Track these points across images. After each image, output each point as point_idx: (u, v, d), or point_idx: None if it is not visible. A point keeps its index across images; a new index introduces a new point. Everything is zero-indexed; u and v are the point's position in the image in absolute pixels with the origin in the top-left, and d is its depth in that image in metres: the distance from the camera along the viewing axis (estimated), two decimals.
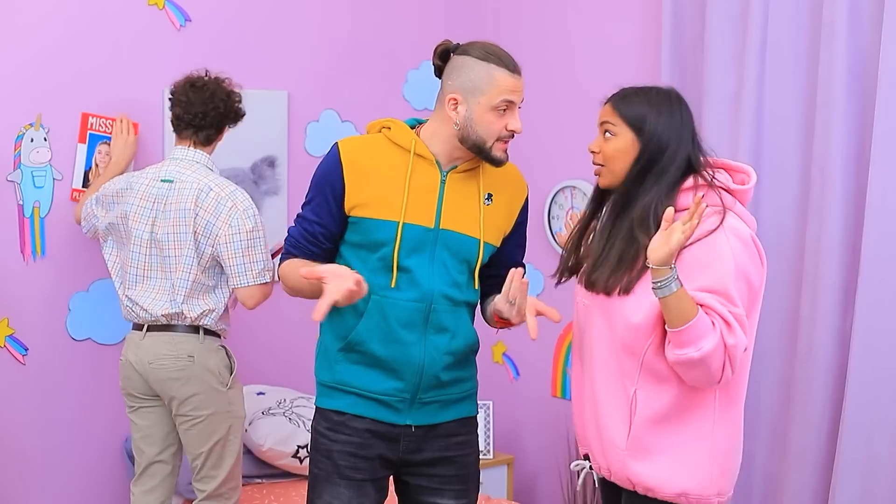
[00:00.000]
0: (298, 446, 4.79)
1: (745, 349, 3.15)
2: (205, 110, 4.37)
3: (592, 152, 3.33)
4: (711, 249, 3.09)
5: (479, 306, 3.60)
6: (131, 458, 4.93)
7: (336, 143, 3.47)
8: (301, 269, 3.31)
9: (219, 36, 5.09)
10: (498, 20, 5.80)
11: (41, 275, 4.72)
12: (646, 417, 3.17)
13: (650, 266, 3.02)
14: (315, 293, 3.32)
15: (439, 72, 3.45)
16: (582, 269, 3.36)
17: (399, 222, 3.36)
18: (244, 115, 4.51)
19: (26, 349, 4.72)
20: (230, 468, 4.39)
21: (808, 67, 4.38)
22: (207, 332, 4.34)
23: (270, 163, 5.22)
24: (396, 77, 5.55)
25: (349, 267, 3.34)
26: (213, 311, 4.32)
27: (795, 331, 4.38)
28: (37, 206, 4.68)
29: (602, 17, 5.32)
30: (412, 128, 3.49)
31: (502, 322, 3.46)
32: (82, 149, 4.75)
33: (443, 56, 3.44)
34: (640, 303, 3.12)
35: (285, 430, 4.80)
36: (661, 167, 3.19)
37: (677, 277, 3.00)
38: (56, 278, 4.75)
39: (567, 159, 5.46)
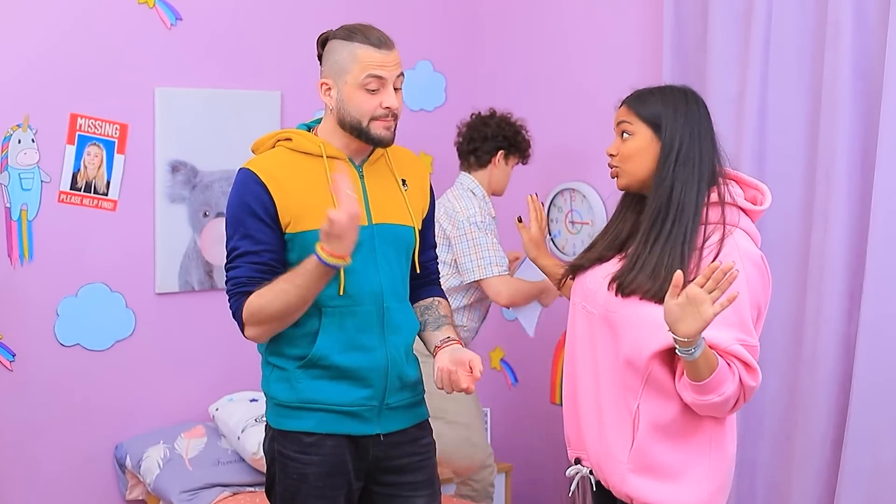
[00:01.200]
0: None
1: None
2: (473, 147, 5.03)
3: (610, 155, 3.30)
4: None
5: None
6: (122, 467, 4.93)
7: (243, 167, 3.37)
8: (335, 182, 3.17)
9: (211, 35, 5.08)
10: (495, 21, 5.80)
11: (29, 279, 4.71)
12: (649, 433, 3.16)
13: (678, 338, 2.97)
14: (300, 293, 3.24)
15: (321, 61, 3.44)
16: (585, 272, 3.34)
17: None
18: (528, 144, 5.11)
19: (13, 355, 4.71)
20: None
21: (813, 68, 4.38)
22: None
23: None
24: None
25: None
26: (457, 309, 4.87)
27: (800, 336, 4.38)
28: (24, 209, 4.67)
29: (602, 17, 5.32)
30: (309, 130, 3.47)
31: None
32: (71, 150, 4.74)
33: (323, 45, 3.45)
34: (653, 317, 3.10)
35: None
36: (688, 167, 3.18)
37: (702, 342, 2.97)
38: (44, 283, 4.74)
39: (566, 162, 5.46)
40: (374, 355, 3.37)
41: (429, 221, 3.59)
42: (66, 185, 4.74)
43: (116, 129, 4.84)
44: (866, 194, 4.19)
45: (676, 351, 2.97)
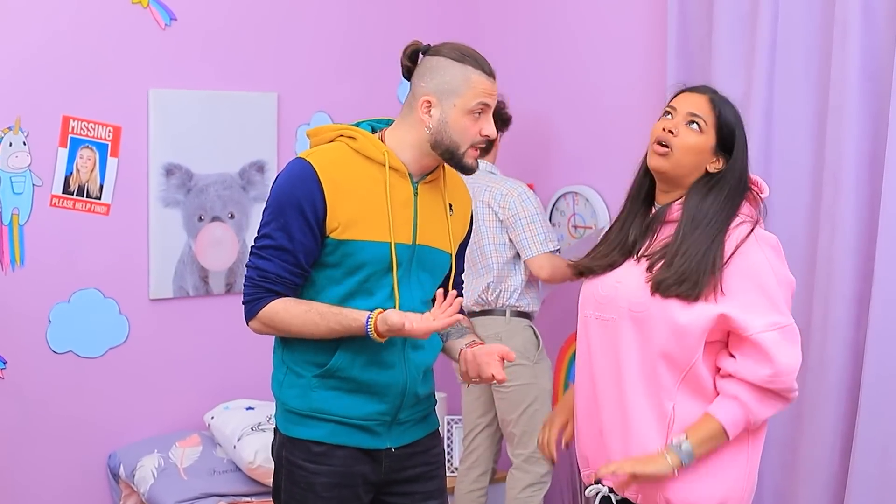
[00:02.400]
0: None
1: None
2: None
3: (670, 132, 3.24)
4: (747, 262, 3.13)
5: None
6: (115, 477, 4.93)
7: (302, 157, 3.32)
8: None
9: (206, 36, 5.08)
10: (496, 21, 5.80)
11: (20, 285, 4.71)
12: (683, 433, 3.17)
13: (669, 473, 3.14)
14: (326, 333, 3.29)
15: (408, 73, 3.38)
16: (593, 282, 3.33)
17: (391, 242, 3.30)
18: (510, 118, 5.22)
19: (5, 362, 4.70)
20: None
21: (820, 68, 4.37)
22: (515, 314, 5.06)
23: (259, 168, 5.22)
24: (390, 77, 5.53)
25: (317, 288, 3.34)
26: (515, 290, 5.03)
27: (807, 342, 4.36)
28: (16, 214, 4.67)
29: (605, 17, 5.31)
30: (374, 132, 3.44)
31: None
32: (63, 153, 4.74)
33: (412, 57, 3.38)
34: (697, 311, 3.12)
35: None
36: (733, 186, 3.22)
37: (684, 451, 3.13)
38: (36, 288, 4.74)
39: (569, 164, 5.45)
40: (393, 372, 3.36)
41: (462, 249, 3.58)
42: (58, 188, 4.74)
43: (110, 131, 4.84)
44: (875, 197, 4.19)
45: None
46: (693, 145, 3.23)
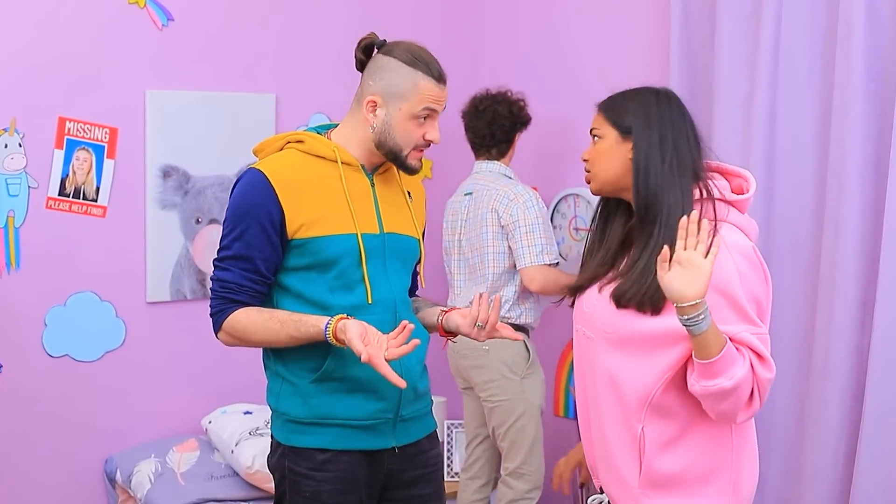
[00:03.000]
0: None
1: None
2: (491, 132, 5.10)
3: (584, 160, 3.30)
4: (717, 273, 3.04)
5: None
6: (112, 482, 4.92)
7: (253, 167, 3.35)
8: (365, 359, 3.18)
9: (203, 36, 5.08)
10: (497, 22, 5.80)
11: (16, 288, 4.70)
12: (657, 453, 3.15)
13: (680, 305, 2.96)
14: (286, 341, 3.31)
15: (361, 66, 3.42)
16: (582, 295, 3.33)
17: (357, 233, 3.33)
18: (530, 119, 5.19)
19: (0, 366, 4.70)
20: (526, 451, 5.04)
21: (824, 69, 4.37)
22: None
23: None
24: None
25: (296, 293, 3.35)
26: (507, 300, 5.02)
27: (811, 346, 4.37)
28: (11, 216, 4.66)
29: (607, 17, 5.31)
30: (322, 134, 3.47)
31: (447, 334, 3.51)
32: (59, 155, 4.74)
33: (366, 50, 3.41)
34: (663, 324, 3.09)
35: None
36: (664, 168, 3.16)
37: (707, 309, 2.96)
38: (32, 292, 4.73)
39: (570, 166, 5.45)
40: (389, 366, 3.37)
41: (422, 239, 3.64)
42: (54, 190, 4.74)
43: (106, 133, 4.84)
44: (879, 199, 4.18)
45: (684, 325, 2.95)
46: (596, 154, 3.23)
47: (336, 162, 3.38)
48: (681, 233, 2.95)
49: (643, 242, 3.15)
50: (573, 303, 3.42)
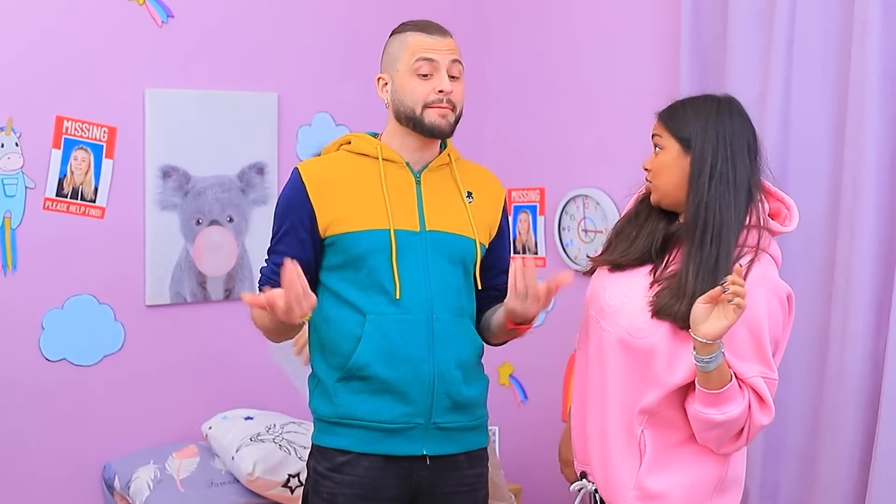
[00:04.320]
0: (290, 475, 4.77)
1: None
2: None
3: (645, 169, 3.36)
4: (751, 308, 3.08)
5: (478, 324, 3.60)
6: (110, 489, 4.92)
7: (295, 168, 3.49)
8: (242, 294, 3.27)
9: (204, 33, 5.08)
10: (503, 20, 5.79)
11: (12, 290, 4.71)
12: (655, 458, 3.16)
13: (698, 339, 3.01)
14: (280, 329, 3.37)
15: None
16: (603, 282, 3.34)
17: (390, 229, 3.35)
18: None
19: None
20: None
21: (839, 68, 4.36)
22: None
23: (259, 170, 5.21)
24: None
25: (333, 292, 3.38)
26: None
27: (825, 351, 4.36)
28: (8, 217, 4.67)
29: (616, 15, 5.30)
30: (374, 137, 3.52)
31: (518, 326, 3.44)
32: (57, 154, 4.74)
33: None
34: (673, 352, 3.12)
35: (275, 458, 4.78)
36: (722, 185, 3.19)
37: (722, 350, 3.04)
38: (28, 294, 4.73)
39: (578, 167, 5.44)
40: (419, 367, 3.37)
41: (500, 244, 3.61)
42: (51, 191, 4.74)
43: (105, 132, 4.84)
44: (895, 201, 4.18)
45: (695, 360, 3.00)
46: (659, 167, 3.30)
47: (378, 158, 3.43)
48: (734, 275, 3.00)
49: (692, 256, 3.17)
50: (589, 272, 3.45)
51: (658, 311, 3.17)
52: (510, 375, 5.83)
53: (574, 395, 3.44)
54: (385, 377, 3.36)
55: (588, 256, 3.53)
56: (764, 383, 3.09)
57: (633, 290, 3.26)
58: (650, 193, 3.35)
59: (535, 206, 5.55)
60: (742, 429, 3.10)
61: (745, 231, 3.21)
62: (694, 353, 3.01)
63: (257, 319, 3.48)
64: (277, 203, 3.50)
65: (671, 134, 3.27)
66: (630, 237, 3.39)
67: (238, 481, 4.85)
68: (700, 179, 3.21)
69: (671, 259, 3.28)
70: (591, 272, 3.50)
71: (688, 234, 3.21)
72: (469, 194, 3.51)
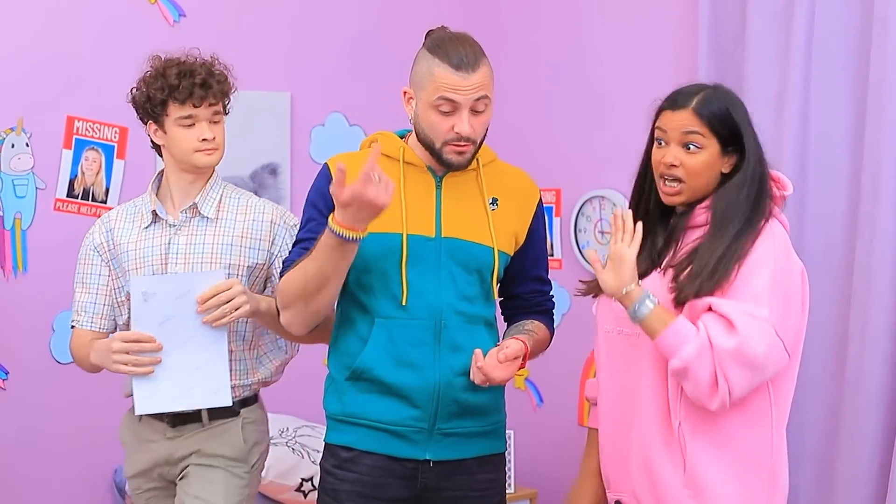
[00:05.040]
0: (302, 479, 4.78)
1: (789, 367, 3.17)
2: None
3: (672, 165, 3.21)
4: (748, 257, 3.11)
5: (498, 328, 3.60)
6: (121, 492, 4.93)
7: (325, 161, 3.49)
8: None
9: (216, 32, 5.09)
10: (518, 19, 5.79)
11: (23, 292, 4.72)
12: (698, 451, 3.15)
13: (616, 296, 3.12)
14: (314, 273, 3.29)
15: None
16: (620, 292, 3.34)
17: (403, 233, 3.34)
18: None
19: (7, 373, 4.72)
20: None
21: (858, 66, 4.36)
22: None
23: (272, 170, 5.22)
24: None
25: (350, 291, 3.41)
26: None
27: (844, 354, 4.36)
28: (18, 218, 4.68)
29: (631, 12, 5.30)
30: (402, 137, 3.50)
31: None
32: (67, 155, 4.76)
33: None
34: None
35: (288, 462, 4.79)
36: (754, 176, 3.20)
37: (649, 294, 3.10)
38: (39, 296, 4.75)
39: (595, 168, 5.45)
40: (423, 374, 3.37)
41: (530, 251, 3.58)
42: (62, 192, 4.76)
43: (116, 132, 4.86)
44: None
45: (629, 314, 3.13)
46: (698, 167, 3.20)
47: (399, 161, 3.42)
48: (612, 228, 3.13)
49: (718, 239, 3.16)
50: (586, 294, 3.45)
51: (679, 297, 3.15)
52: (526, 379, 5.83)
53: (603, 418, 3.40)
54: (389, 381, 3.37)
55: (580, 281, 3.48)
56: (734, 309, 3.05)
57: (647, 289, 3.24)
58: (673, 195, 3.23)
59: (551, 208, 5.55)
60: (714, 373, 3.05)
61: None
62: (625, 308, 3.12)
63: (292, 289, 3.36)
64: (308, 192, 3.51)
65: (714, 132, 3.19)
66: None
67: None
68: (747, 184, 3.19)
69: (679, 247, 3.26)
70: (588, 293, 3.46)
71: (713, 224, 3.20)
72: (494, 200, 3.48)
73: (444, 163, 3.37)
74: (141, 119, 3.81)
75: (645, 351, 3.20)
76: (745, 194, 3.18)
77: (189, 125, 3.68)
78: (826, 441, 4.46)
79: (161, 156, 3.86)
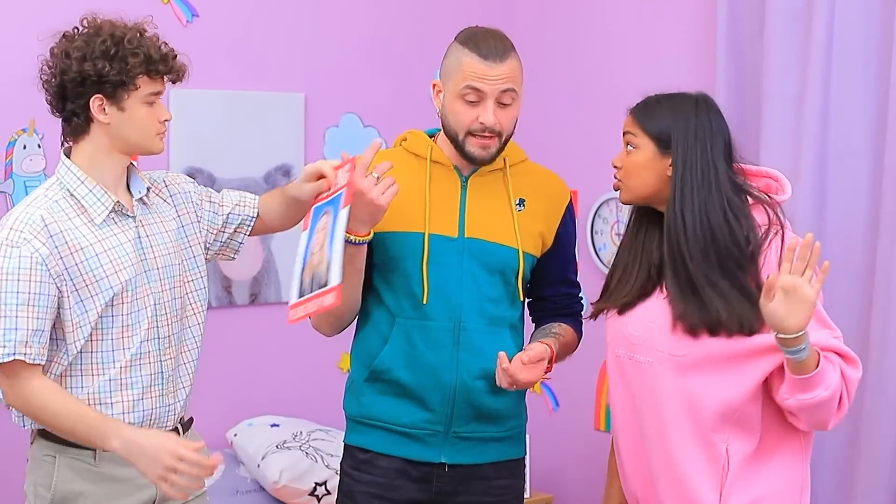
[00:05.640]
0: (316, 483, 4.78)
1: None
2: None
3: (615, 167, 3.33)
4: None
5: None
6: None
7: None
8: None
9: (229, 33, 5.09)
10: (534, 19, 5.79)
11: None
12: (741, 471, 3.15)
13: (783, 337, 2.97)
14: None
15: None
16: (622, 316, 3.32)
17: (424, 233, 3.35)
18: None
19: None
20: None
21: (879, 67, 4.35)
22: None
23: (285, 172, 5.22)
24: (425, 77, 5.50)
25: (374, 291, 3.44)
26: None
27: (865, 359, 4.32)
28: None
29: (648, 12, 5.30)
30: (431, 136, 3.50)
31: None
32: None
33: None
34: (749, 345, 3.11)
35: (302, 466, 4.79)
36: (706, 186, 3.17)
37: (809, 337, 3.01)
38: None
39: (611, 169, 5.41)
40: (439, 375, 3.38)
41: (558, 253, 3.58)
42: None
43: None
44: None
45: (785, 353, 2.99)
46: (633, 166, 3.26)
47: (426, 160, 3.44)
48: (787, 254, 2.96)
49: (705, 266, 3.15)
50: (594, 316, 3.43)
51: (691, 329, 3.15)
52: (541, 383, 5.82)
53: (621, 444, 3.39)
54: (406, 382, 3.39)
55: (591, 304, 3.48)
56: (839, 343, 3.09)
57: (653, 313, 3.23)
58: (618, 191, 3.33)
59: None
60: (841, 395, 3.09)
61: (765, 211, 3.20)
62: (784, 349, 2.98)
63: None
64: None
65: (646, 132, 3.24)
66: (627, 272, 3.36)
67: (264, 489, 4.86)
68: (683, 184, 3.17)
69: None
70: (595, 316, 3.46)
71: (675, 238, 3.18)
72: (521, 202, 3.48)
73: (468, 157, 3.38)
74: (68, 93, 3.40)
75: (665, 381, 3.19)
76: (696, 210, 3.16)
77: (151, 103, 3.34)
78: (845, 447, 4.44)
79: (73, 136, 3.41)
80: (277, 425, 5.01)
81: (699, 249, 3.14)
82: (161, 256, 3.40)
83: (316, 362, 5.24)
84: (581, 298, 3.71)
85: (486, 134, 3.34)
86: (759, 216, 3.19)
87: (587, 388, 5.58)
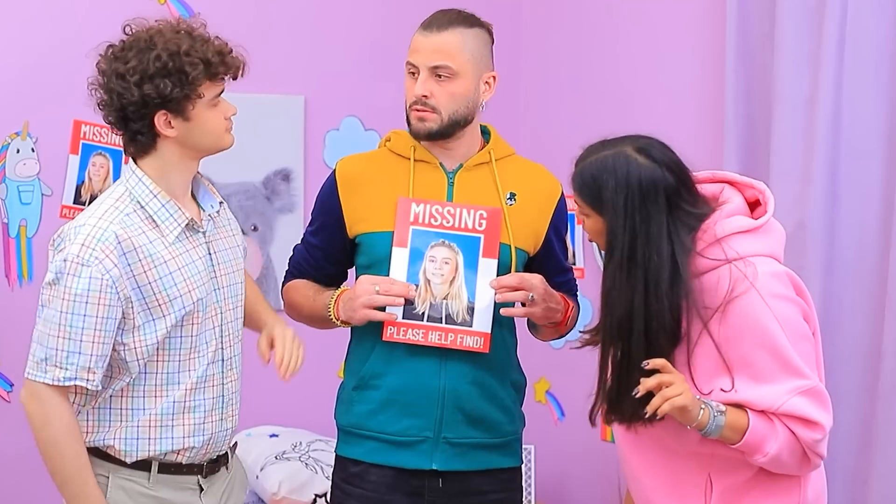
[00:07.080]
0: (316, 495, 4.78)
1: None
2: None
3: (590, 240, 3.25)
4: (755, 328, 3.00)
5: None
6: None
7: (336, 163, 3.58)
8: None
9: (227, 34, 5.03)
10: (539, 21, 5.80)
11: (28, 301, 4.72)
12: (726, 493, 3.14)
13: (688, 421, 2.98)
14: (313, 314, 3.46)
15: None
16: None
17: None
18: None
19: (11, 385, 4.72)
20: None
21: (892, 68, 4.35)
22: None
23: (285, 176, 5.23)
24: None
25: None
26: None
27: (877, 367, 4.33)
28: (23, 225, 4.69)
29: (656, 14, 5.30)
30: None
31: (552, 324, 3.50)
32: (74, 160, 4.76)
33: None
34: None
35: (301, 477, 4.80)
36: (640, 272, 3.06)
37: (718, 409, 2.98)
38: None
39: None
40: (427, 379, 3.38)
41: (553, 246, 3.59)
42: (68, 198, 4.76)
43: None
44: None
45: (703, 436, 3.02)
46: (596, 234, 3.13)
47: (410, 159, 3.46)
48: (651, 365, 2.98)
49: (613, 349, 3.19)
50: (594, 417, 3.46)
51: (610, 419, 3.18)
52: (546, 392, 5.82)
53: (621, 461, 3.40)
54: (394, 387, 3.40)
55: (580, 332, 3.42)
56: (801, 401, 3.02)
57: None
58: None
59: (573, 215, 5.53)
60: (803, 450, 3.07)
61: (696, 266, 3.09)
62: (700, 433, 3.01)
63: (291, 302, 3.62)
64: (318, 194, 3.60)
65: (589, 206, 3.08)
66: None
67: (263, 501, 4.86)
68: (618, 266, 3.05)
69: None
70: (584, 346, 3.41)
71: (614, 328, 3.15)
72: (511, 196, 3.48)
73: (412, 132, 3.43)
74: (129, 115, 3.25)
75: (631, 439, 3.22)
76: (629, 293, 3.09)
77: (216, 105, 3.28)
78: (858, 457, 4.43)
79: (139, 154, 3.32)
80: (276, 435, 5.01)
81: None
82: (227, 274, 3.34)
83: (315, 371, 5.22)
84: (573, 279, 3.77)
85: (421, 108, 3.38)
86: (713, 252, 3.07)
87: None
